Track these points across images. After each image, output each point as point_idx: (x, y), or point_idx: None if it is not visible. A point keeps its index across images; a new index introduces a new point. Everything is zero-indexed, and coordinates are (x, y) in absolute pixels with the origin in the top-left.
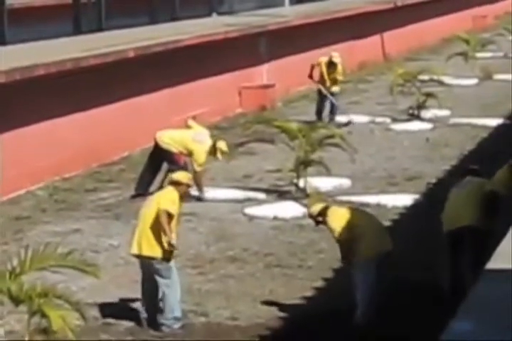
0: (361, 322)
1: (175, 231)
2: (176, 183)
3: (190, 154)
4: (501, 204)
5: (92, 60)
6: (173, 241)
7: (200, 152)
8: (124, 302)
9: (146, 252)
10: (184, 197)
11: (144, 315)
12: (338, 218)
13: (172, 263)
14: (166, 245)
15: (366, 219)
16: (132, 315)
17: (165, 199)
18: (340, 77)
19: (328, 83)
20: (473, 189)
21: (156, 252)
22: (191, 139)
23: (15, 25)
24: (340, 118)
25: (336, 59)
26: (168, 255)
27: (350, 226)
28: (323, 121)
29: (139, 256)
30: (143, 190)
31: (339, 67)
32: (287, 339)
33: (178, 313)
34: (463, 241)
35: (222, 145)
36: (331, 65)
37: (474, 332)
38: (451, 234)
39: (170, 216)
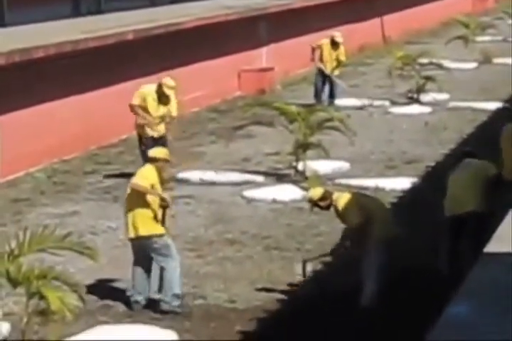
0: (369, 304)
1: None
2: (152, 160)
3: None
4: (504, 187)
5: (91, 42)
6: (165, 195)
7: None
8: (123, 284)
9: (143, 232)
10: (164, 172)
11: (135, 298)
12: (348, 203)
13: (170, 240)
14: (161, 204)
15: (373, 202)
16: (131, 296)
17: (136, 176)
18: (343, 58)
19: (329, 64)
20: (475, 172)
21: (152, 230)
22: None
23: (14, 7)
24: (340, 102)
25: (339, 39)
26: (162, 230)
27: (361, 210)
28: (323, 104)
29: (137, 239)
30: None
31: (341, 48)
32: (285, 321)
33: (177, 290)
34: (464, 226)
35: (164, 79)
36: (334, 45)
37: (472, 315)
38: (454, 219)
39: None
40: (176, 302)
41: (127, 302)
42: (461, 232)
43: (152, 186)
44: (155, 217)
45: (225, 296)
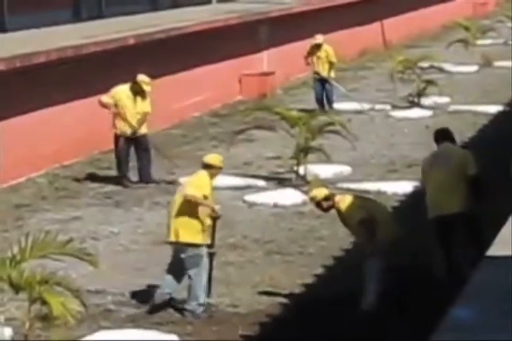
0: (371, 309)
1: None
2: (207, 166)
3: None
4: (485, 187)
5: (93, 47)
6: (216, 207)
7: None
8: (125, 289)
9: (184, 239)
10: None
11: (157, 301)
12: (350, 205)
13: (204, 251)
14: (211, 214)
15: (375, 204)
16: (133, 301)
17: (190, 185)
18: (333, 60)
19: (321, 68)
20: (457, 172)
21: (193, 238)
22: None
23: (15, 12)
24: (340, 105)
25: (318, 40)
26: (203, 241)
27: (364, 212)
28: (324, 109)
29: (176, 243)
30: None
31: (330, 50)
32: (287, 326)
33: (202, 300)
34: (452, 228)
35: (141, 77)
36: (317, 47)
37: (475, 317)
38: (440, 220)
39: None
40: (200, 310)
41: (135, 305)
42: (452, 234)
43: (205, 197)
44: (200, 227)
45: (228, 300)
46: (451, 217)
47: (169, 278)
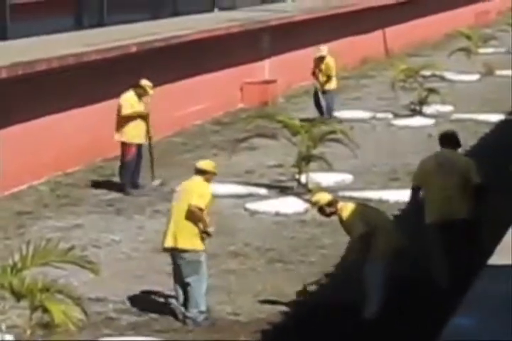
0: (373, 317)
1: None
2: (201, 172)
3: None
4: (487, 195)
5: (94, 55)
6: (210, 230)
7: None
8: (126, 297)
9: (182, 245)
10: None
11: (180, 310)
12: (352, 213)
13: (203, 257)
14: (202, 234)
15: (377, 213)
16: (133, 309)
17: (195, 194)
18: (330, 73)
19: (321, 79)
20: (461, 179)
21: (192, 244)
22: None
23: (17, 20)
24: (342, 114)
25: (323, 52)
26: (202, 247)
27: (365, 221)
28: (325, 118)
29: (173, 249)
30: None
31: (330, 63)
32: (288, 334)
33: (203, 307)
34: (453, 233)
35: (144, 81)
36: (321, 60)
37: (476, 327)
38: (442, 226)
39: (201, 209)
40: (201, 318)
41: (136, 313)
42: (452, 239)
43: (206, 206)
44: (198, 234)
45: (229, 309)
46: (453, 222)
47: (178, 288)
